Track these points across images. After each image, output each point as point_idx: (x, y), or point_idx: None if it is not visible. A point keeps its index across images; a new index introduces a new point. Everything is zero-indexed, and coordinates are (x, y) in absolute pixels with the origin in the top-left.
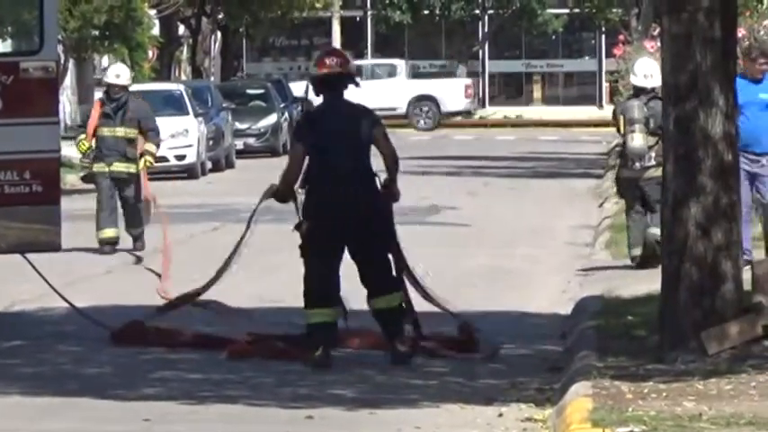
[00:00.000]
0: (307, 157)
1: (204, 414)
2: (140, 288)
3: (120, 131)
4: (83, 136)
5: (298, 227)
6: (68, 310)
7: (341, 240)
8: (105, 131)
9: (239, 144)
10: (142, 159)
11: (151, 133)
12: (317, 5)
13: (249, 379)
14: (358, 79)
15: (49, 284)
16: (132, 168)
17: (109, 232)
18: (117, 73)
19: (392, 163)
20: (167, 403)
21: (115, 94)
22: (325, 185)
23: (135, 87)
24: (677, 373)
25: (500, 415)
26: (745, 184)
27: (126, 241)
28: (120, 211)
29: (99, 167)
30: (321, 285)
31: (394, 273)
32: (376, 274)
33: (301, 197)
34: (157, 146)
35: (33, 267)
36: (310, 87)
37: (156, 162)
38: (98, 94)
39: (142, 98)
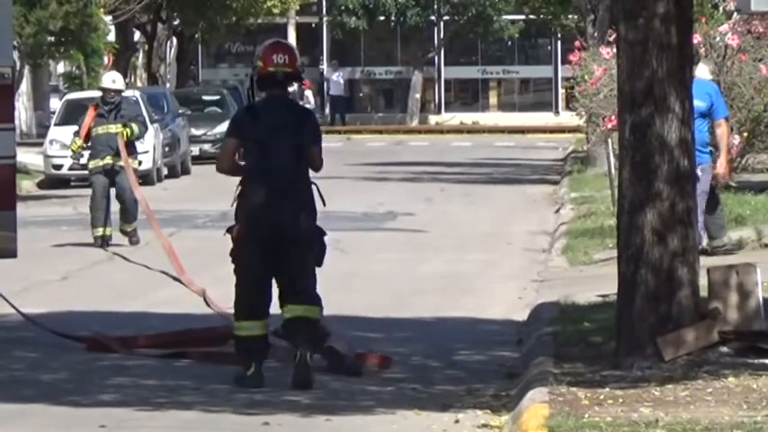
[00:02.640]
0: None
1: (160, 420)
2: (95, 294)
3: (113, 128)
4: (76, 138)
5: (229, 230)
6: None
7: (273, 247)
8: (99, 130)
9: (195, 150)
10: (123, 129)
11: (138, 122)
12: (274, 11)
13: (205, 385)
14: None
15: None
16: (125, 162)
17: (102, 230)
18: (113, 79)
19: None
20: (123, 409)
21: (110, 97)
22: (264, 188)
23: (89, 94)
24: (634, 380)
25: (456, 421)
26: None
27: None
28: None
29: (94, 163)
30: (251, 296)
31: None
32: (296, 283)
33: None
34: (140, 132)
35: None
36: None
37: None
38: (54, 101)
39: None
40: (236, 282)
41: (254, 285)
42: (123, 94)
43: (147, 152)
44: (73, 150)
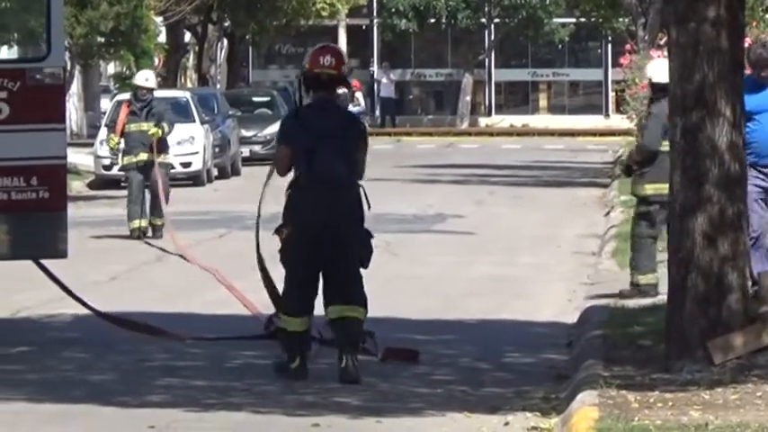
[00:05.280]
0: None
1: (209, 421)
2: (144, 294)
3: (146, 126)
4: (111, 135)
5: (278, 231)
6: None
7: (321, 247)
8: (132, 127)
9: (245, 151)
10: (156, 129)
11: (167, 120)
12: (323, 13)
13: (254, 386)
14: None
15: (68, 291)
16: (156, 158)
17: (138, 222)
18: (146, 77)
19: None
20: (172, 410)
21: (143, 95)
22: (311, 189)
23: None
24: (683, 383)
25: (506, 424)
26: (760, 204)
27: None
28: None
29: (128, 159)
30: (300, 293)
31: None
32: (347, 284)
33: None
34: (168, 129)
35: (50, 275)
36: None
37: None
38: (104, 101)
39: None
40: (285, 280)
41: (302, 284)
42: (173, 94)
43: (197, 153)
44: (111, 148)
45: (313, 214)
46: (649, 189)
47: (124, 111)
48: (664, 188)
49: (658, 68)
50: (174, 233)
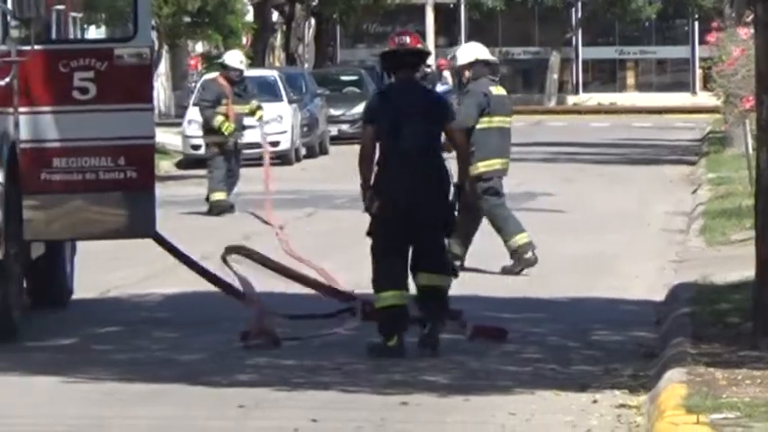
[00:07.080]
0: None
1: (298, 400)
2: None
3: (247, 108)
4: (221, 118)
5: (368, 208)
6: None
7: (409, 221)
8: (238, 109)
9: (333, 130)
10: (258, 112)
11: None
12: None
13: (343, 365)
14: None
15: (189, 262)
16: (242, 139)
17: (220, 195)
18: (240, 59)
19: (462, 161)
20: (262, 390)
21: (237, 76)
22: (397, 165)
23: None
24: None
25: (594, 401)
26: None
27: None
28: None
29: (232, 138)
30: (390, 267)
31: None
32: (431, 253)
33: None
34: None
35: (169, 248)
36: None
37: (251, 148)
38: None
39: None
40: (373, 255)
41: (392, 256)
42: (262, 74)
43: (285, 132)
44: (229, 134)
45: (400, 189)
46: (482, 167)
47: (229, 94)
48: (494, 163)
49: (462, 51)
50: (270, 212)
